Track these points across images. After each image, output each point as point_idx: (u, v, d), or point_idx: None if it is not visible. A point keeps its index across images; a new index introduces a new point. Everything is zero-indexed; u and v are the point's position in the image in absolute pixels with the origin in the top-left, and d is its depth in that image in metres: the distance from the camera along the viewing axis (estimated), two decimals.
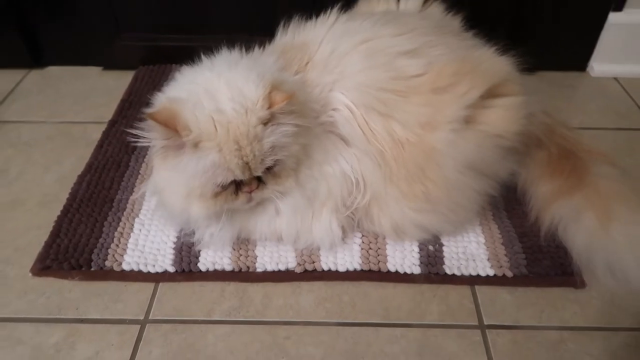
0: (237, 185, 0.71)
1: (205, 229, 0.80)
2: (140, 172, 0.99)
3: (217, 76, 0.70)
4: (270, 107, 0.67)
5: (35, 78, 1.33)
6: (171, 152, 0.69)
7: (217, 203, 0.71)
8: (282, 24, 0.86)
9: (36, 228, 0.90)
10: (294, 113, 0.69)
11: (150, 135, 0.69)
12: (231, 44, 0.80)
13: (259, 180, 0.72)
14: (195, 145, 0.66)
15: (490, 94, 0.77)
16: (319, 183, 0.77)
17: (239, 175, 0.68)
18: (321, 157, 0.76)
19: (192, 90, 0.70)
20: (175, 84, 0.74)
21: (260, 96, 0.67)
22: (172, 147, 0.68)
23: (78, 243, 0.85)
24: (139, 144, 0.70)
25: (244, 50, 0.79)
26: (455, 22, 0.95)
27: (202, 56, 0.77)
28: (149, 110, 0.66)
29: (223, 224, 0.76)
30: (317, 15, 0.86)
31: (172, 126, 0.65)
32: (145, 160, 1.02)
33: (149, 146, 0.74)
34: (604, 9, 1.22)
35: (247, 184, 0.71)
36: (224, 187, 0.70)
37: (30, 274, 0.82)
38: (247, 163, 0.67)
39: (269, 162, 0.69)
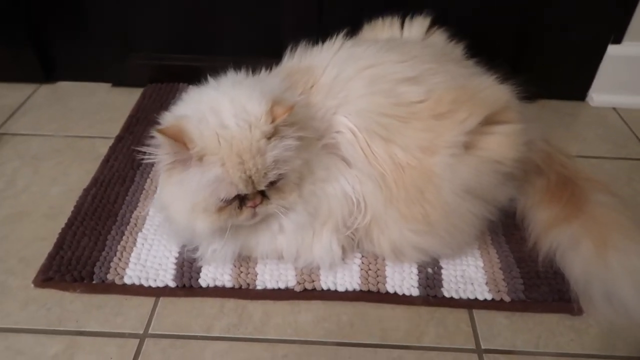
0: (241, 201, 0.72)
1: (208, 246, 0.81)
2: (145, 187, 1.01)
3: (222, 95, 0.73)
4: (273, 121, 0.69)
5: (45, 92, 1.36)
6: (178, 167, 0.71)
7: (221, 218, 0.72)
8: (289, 48, 0.89)
9: (41, 239, 0.91)
10: (296, 125, 0.71)
11: (159, 151, 0.71)
12: (238, 65, 0.82)
13: (263, 195, 0.73)
14: (200, 158, 0.68)
15: (490, 121, 0.79)
16: (320, 200, 0.78)
17: (242, 189, 0.69)
18: (323, 174, 0.78)
19: (197, 108, 0.72)
20: (182, 103, 0.77)
21: (263, 111, 0.69)
22: (179, 162, 0.70)
23: (81, 256, 0.86)
24: (147, 161, 0.72)
25: (250, 71, 0.81)
26: (457, 50, 0.97)
27: (209, 77, 0.79)
28: (158, 127, 0.68)
29: (226, 240, 0.77)
30: (323, 41, 0.88)
31: (180, 140, 0.67)
32: (150, 176, 1.04)
33: (154, 162, 0.75)
34: (604, 41, 1.25)
35: (251, 199, 0.72)
36: (228, 202, 0.71)
37: (32, 285, 0.83)
38: (250, 177, 0.69)
39: (272, 176, 0.70)
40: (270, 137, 0.69)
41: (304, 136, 0.72)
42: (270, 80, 0.81)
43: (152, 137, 0.69)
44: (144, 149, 0.70)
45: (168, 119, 0.73)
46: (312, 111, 0.78)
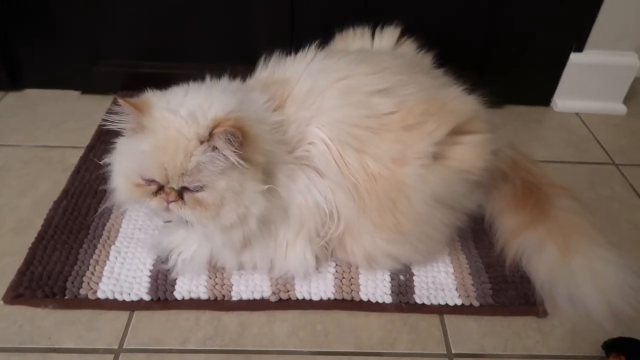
0: (159, 189, 0.72)
1: (178, 255, 0.82)
2: None
3: (208, 92, 0.74)
4: (214, 127, 0.68)
5: (12, 100, 1.32)
6: (130, 133, 0.73)
7: (135, 193, 0.73)
8: (262, 58, 0.89)
9: (9, 255, 0.89)
10: (233, 147, 0.67)
11: (120, 118, 0.72)
12: (210, 72, 0.83)
13: (180, 195, 0.72)
14: (142, 129, 0.70)
15: (458, 131, 0.81)
16: (252, 242, 0.79)
17: (156, 176, 0.70)
18: (270, 220, 0.77)
19: (176, 92, 0.74)
20: (175, 88, 0.77)
21: (213, 115, 0.69)
22: (133, 129, 0.72)
23: (52, 271, 0.85)
24: (109, 126, 0.73)
25: (239, 81, 0.84)
26: (426, 59, 0.99)
27: (207, 76, 0.82)
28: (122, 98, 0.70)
29: (195, 248, 0.80)
30: (296, 50, 0.89)
31: (138, 108, 0.69)
32: None
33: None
34: (566, 49, 1.31)
35: (165, 192, 0.72)
36: (146, 182, 0.72)
37: (2, 302, 0.82)
38: (165, 169, 0.69)
39: (187, 181, 0.69)
40: (203, 141, 0.69)
41: (244, 165, 0.69)
42: (257, 97, 0.79)
43: (117, 104, 0.70)
44: (108, 115, 0.72)
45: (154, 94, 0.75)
46: (283, 129, 0.77)
